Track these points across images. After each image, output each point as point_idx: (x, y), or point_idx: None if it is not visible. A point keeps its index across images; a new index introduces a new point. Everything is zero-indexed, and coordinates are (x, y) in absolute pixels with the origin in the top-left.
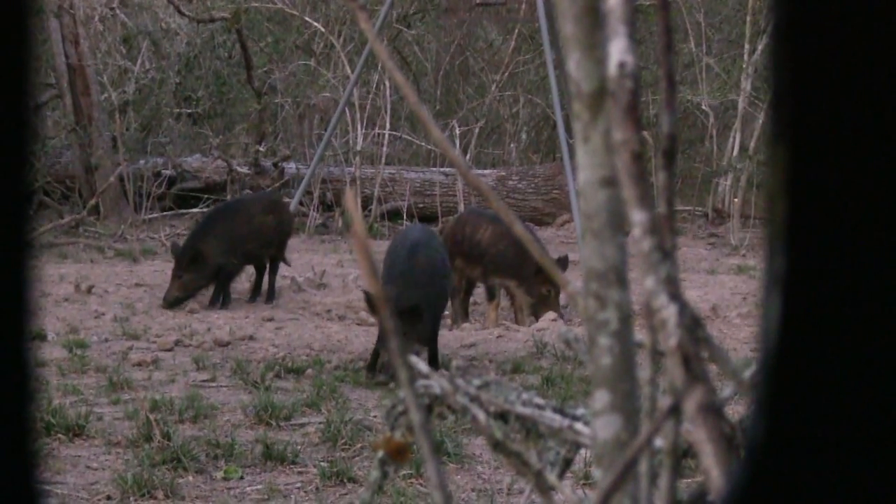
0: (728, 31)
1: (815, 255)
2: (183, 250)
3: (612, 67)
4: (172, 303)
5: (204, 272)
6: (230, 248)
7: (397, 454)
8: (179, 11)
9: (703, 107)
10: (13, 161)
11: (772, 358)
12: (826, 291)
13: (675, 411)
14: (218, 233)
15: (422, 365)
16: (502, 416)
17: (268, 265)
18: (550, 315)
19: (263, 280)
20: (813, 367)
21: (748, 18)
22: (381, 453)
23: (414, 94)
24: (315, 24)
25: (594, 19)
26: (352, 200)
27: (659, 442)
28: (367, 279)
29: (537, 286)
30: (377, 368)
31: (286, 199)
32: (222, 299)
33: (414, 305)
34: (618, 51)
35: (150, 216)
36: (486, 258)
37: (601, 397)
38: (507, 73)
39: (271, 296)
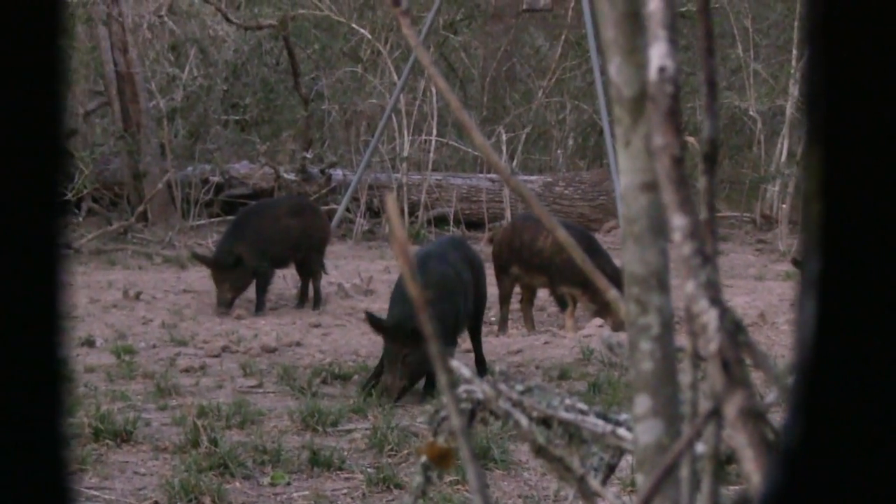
0: (776, 37)
1: (850, 258)
2: (222, 254)
3: (653, 72)
4: (229, 304)
5: (246, 272)
6: (261, 250)
7: (440, 459)
8: (227, 19)
9: (751, 112)
10: (46, 164)
11: (807, 361)
12: (862, 294)
13: (716, 415)
14: (250, 235)
15: (464, 370)
16: (545, 422)
17: (312, 271)
18: (597, 321)
19: (309, 286)
20: (848, 369)
21: (796, 24)
22: (424, 459)
23: (457, 99)
24: (362, 30)
25: (635, 24)
26: (393, 206)
27: (701, 447)
28: (408, 284)
29: (601, 293)
30: (367, 388)
31: (318, 205)
32: (263, 305)
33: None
34: (658, 55)
35: (198, 223)
36: (553, 268)
37: (642, 402)
38: (553, 79)
39: (318, 302)
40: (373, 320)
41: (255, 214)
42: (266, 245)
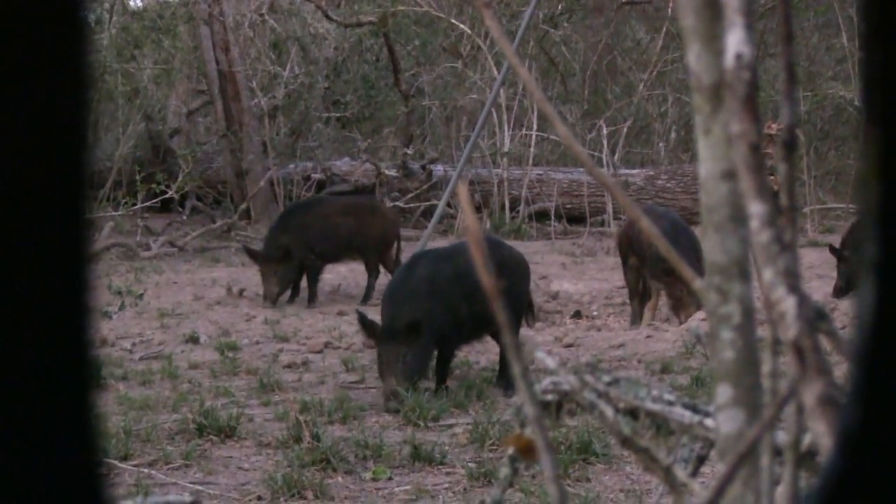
0: None
1: None
2: (271, 248)
3: (729, 59)
4: (275, 299)
5: (292, 265)
6: (305, 243)
7: (527, 451)
8: (327, 16)
9: (857, 102)
10: (70, 166)
11: (866, 344)
12: None
13: (795, 402)
14: (293, 228)
15: (549, 361)
16: (632, 413)
17: (368, 269)
18: (700, 315)
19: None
20: None
21: None
22: (511, 450)
23: (539, 90)
24: (461, 26)
25: (714, 11)
26: (465, 195)
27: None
28: (480, 274)
29: (676, 286)
30: (386, 396)
31: (385, 204)
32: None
33: (413, 322)
34: (735, 42)
35: None
36: (647, 260)
37: (724, 392)
38: (655, 72)
39: (366, 298)
40: (365, 323)
41: (303, 209)
42: (311, 240)
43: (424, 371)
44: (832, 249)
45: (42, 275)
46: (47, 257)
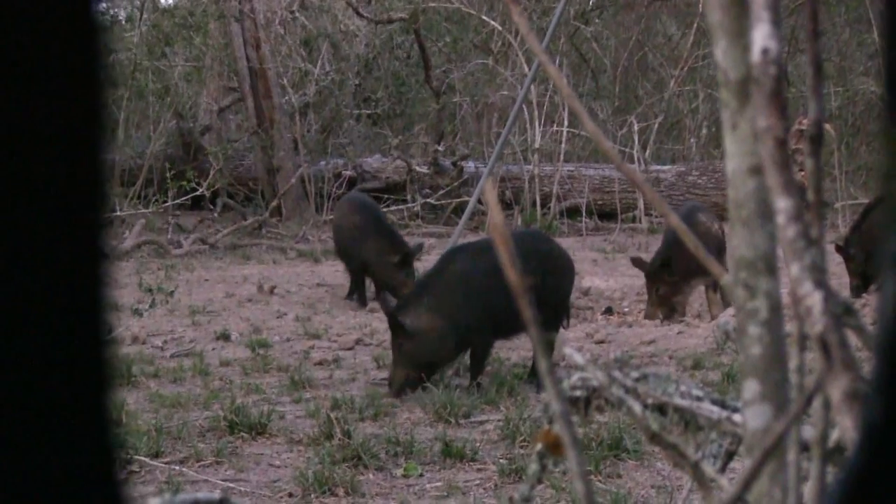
0: None
1: None
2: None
3: (756, 53)
4: None
5: None
6: None
7: (556, 447)
8: (358, 13)
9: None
10: (86, 166)
11: (889, 337)
12: None
13: (822, 397)
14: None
15: (577, 357)
16: (660, 409)
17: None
18: (731, 310)
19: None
20: None
21: None
22: (539, 446)
23: (567, 86)
24: (492, 22)
25: (741, 6)
26: (491, 192)
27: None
28: (507, 271)
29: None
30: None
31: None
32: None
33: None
34: (761, 36)
35: (331, 217)
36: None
37: (751, 387)
38: (686, 68)
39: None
40: (386, 312)
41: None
42: None
43: (427, 361)
44: (838, 248)
45: (57, 271)
46: (62, 253)
